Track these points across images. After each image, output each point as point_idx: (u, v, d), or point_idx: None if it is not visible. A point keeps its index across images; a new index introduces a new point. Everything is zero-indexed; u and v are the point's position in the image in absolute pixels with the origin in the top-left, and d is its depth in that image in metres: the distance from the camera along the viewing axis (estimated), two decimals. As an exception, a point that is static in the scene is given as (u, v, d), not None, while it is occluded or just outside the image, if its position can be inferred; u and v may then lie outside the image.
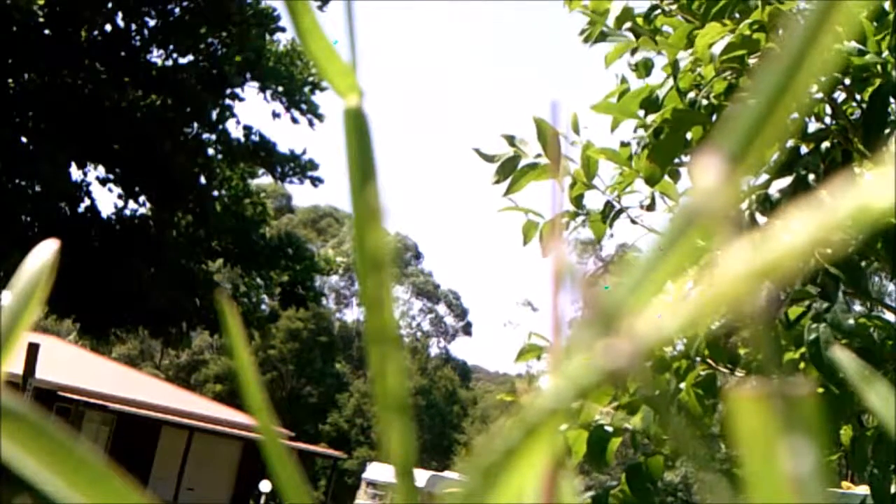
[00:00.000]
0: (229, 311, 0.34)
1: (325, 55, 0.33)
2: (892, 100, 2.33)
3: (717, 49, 2.35)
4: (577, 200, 2.70)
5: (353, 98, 0.32)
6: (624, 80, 2.74)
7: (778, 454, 0.25)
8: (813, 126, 2.49)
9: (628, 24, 2.76)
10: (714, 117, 2.45)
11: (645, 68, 2.75)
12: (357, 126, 0.31)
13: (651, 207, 2.66)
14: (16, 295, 0.32)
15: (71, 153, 22.78)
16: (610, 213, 2.67)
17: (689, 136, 2.52)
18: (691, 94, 2.48)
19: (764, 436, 0.25)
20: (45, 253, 0.33)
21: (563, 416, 0.26)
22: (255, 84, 23.63)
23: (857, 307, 2.48)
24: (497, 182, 2.63)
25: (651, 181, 2.57)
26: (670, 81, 2.49)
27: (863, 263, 2.26)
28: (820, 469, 0.25)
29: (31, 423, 0.27)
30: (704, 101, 2.46)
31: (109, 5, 22.75)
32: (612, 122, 2.75)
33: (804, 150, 2.46)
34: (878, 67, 2.32)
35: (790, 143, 2.39)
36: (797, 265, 0.26)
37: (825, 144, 2.44)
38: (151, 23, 23.39)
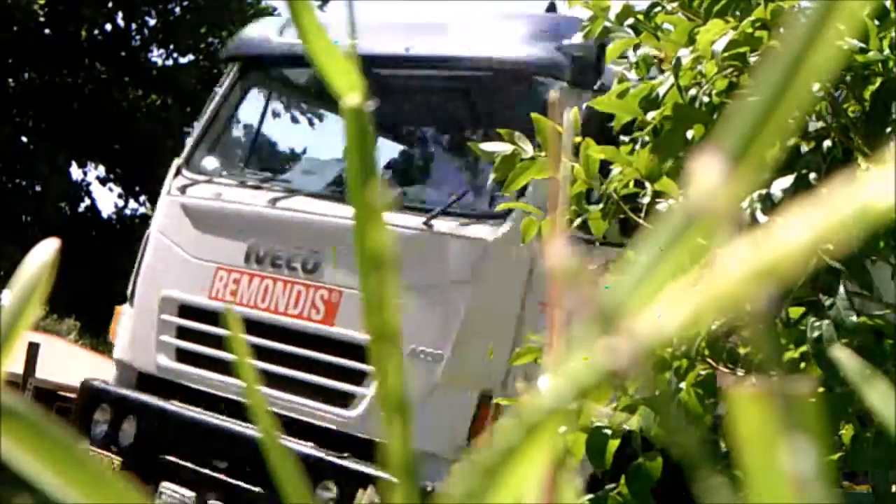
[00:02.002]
0: (229, 311, 0.34)
1: (326, 54, 0.33)
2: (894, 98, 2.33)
3: (719, 46, 2.34)
4: (578, 198, 2.69)
5: (354, 97, 0.32)
6: (623, 79, 2.73)
7: (778, 453, 0.25)
8: (814, 125, 2.49)
9: (629, 21, 2.76)
10: (715, 115, 2.44)
11: (646, 65, 2.74)
12: (358, 125, 0.31)
13: (652, 205, 2.65)
14: (16, 295, 0.32)
15: (71, 153, 22.78)
16: (610, 212, 2.67)
17: (689, 134, 2.52)
18: (692, 91, 2.48)
19: (764, 435, 0.25)
20: (45, 253, 0.33)
21: (564, 415, 0.26)
22: (256, 83, 23.56)
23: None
24: (497, 179, 2.63)
25: (652, 178, 2.57)
26: (671, 79, 2.48)
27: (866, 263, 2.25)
28: (821, 468, 0.25)
29: (31, 423, 0.27)
30: (706, 98, 2.46)
31: (109, 5, 22.75)
32: (615, 123, 2.75)
33: (805, 148, 2.46)
34: (880, 66, 2.32)
35: (791, 141, 2.39)
36: (799, 264, 0.26)
37: (826, 143, 2.44)
38: (151, 22, 23.38)
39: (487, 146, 2.66)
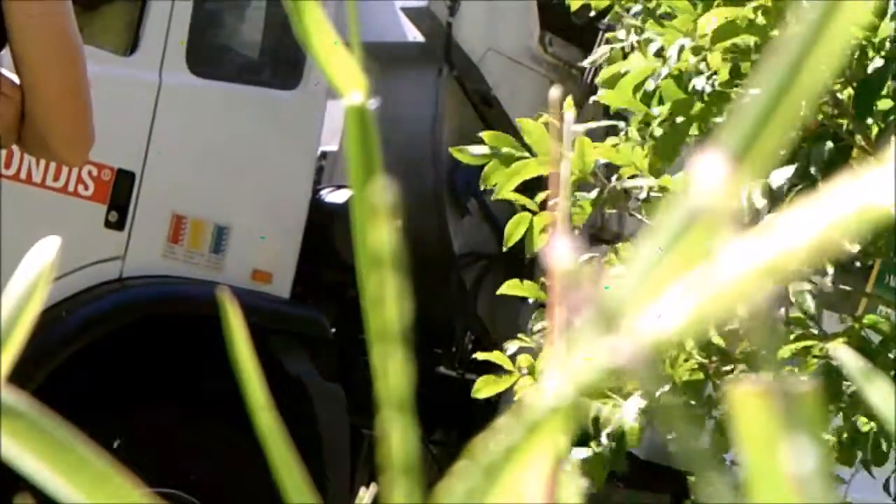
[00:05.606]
0: (230, 308, 0.34)
1: (328, 51, 0.33)
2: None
3: (712, 25, 2.31)
4: (575, 187, 2.67)
5: (357, 95, 0.32)
6: (612, 59, 2.71)
7: (779, 452, 0.25)
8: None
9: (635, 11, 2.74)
10: (716, 107, 2.43)
11: (645, 46, 2.71)
12: (360, 124, 0.31)
13: (650, 199, 2.63)
14: (16, 295, 0.31)
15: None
16: (601, 201, 2.64)
17: (691, 129, 2.50)
18: (694, 81, 2.45)
19: (765, 433, 0.25)
20: (45, 253, 0.33)
21: (565, 415, 0.26)
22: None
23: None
24: (489, 184, 2.61)
25: (656, 173, 2.55)
26: (667, 67, 2.46)
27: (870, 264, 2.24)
28: (823, 467, 0.25)
29: (31, 423, 0.27)
30: (708, 89, 2.43)
31: None
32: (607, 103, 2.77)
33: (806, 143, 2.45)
34: (874, 48, 2.30)
35: (793, 134, 2.37)
36: (801, 261, 0.26)
37: (828, 140, 2.42)
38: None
39: (474, 149, 2.62)
